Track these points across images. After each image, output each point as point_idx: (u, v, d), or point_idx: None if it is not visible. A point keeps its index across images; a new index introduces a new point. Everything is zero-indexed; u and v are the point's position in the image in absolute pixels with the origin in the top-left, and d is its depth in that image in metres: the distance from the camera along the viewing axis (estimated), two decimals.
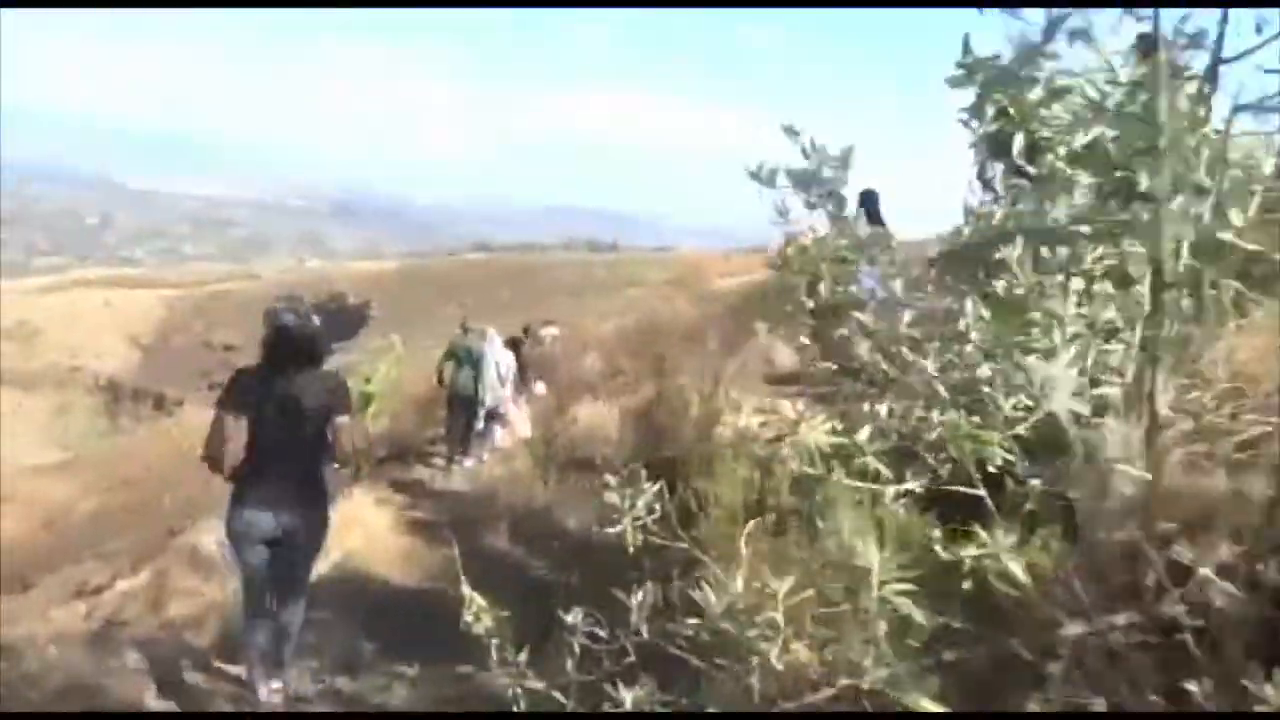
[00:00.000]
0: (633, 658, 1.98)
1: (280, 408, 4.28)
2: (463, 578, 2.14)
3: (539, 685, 2.01)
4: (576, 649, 2.01)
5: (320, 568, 5.28)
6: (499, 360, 10.76)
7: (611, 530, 1.97)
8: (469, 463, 10.58)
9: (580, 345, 16.38)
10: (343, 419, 4.43)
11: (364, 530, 7.13)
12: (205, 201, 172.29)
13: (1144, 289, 1.80)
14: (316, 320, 4.57)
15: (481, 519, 6.63)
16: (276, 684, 4.45)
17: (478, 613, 2.05)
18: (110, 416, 51.49)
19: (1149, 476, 1.80)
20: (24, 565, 12.88)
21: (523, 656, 2.05)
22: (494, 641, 2.07)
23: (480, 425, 10.71)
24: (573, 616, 2.05)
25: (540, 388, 11.30)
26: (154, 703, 4.39)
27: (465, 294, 57.15)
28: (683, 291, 22.77)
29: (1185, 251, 1.75)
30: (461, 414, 10.65)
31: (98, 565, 11.11)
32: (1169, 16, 1.80)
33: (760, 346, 10.55)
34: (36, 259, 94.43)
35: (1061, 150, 1.84)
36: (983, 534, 1.75)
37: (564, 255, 63.81)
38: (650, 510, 2.01)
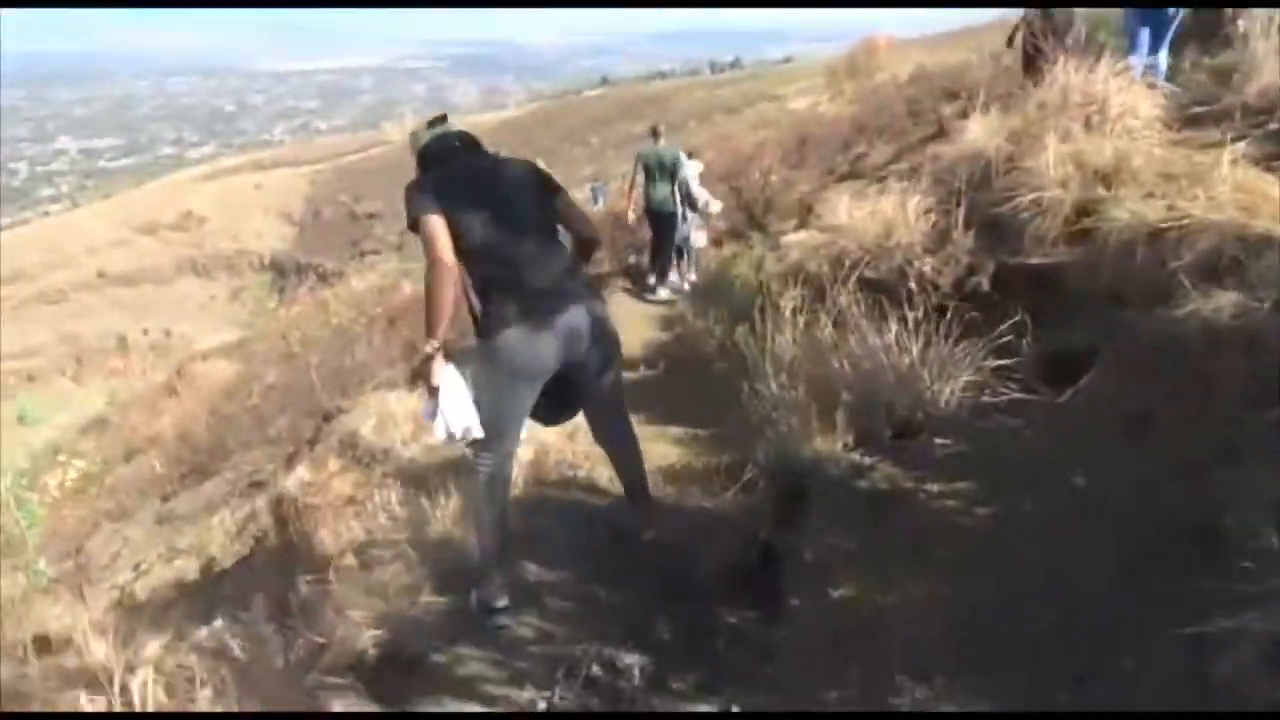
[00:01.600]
0: None
1: (477, 196, 2.93)
2: None
3: None
4: None
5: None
6: (692, 174, 8.98)
7: None
8: (673, 287, 9.01)
9: (742, 160, 14.25)
10: (560, 198, 3.15)
11: None
12: (332, 75, 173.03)
13: None
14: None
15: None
16: None
17: None
18: (278, 293, 53.33)
19: None
20: (198, 453, 12.31)
21: None
22: None
23: (689, 242, 9.09)
24: None
25: (715, 205, 9.34)
26: None
27: (591, 132, 55.27)
28: (842, 88, 19.87)
29: None
30: (666, 233, 8.93)
31: (264, 452, 10.21)
32: None
33: None
34: (189, 151, 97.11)
35: None
36: None
37: (687, 80, 60.17)
38: None
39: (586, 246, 3.24)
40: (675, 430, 4.57)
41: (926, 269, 3.74)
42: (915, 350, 2.71)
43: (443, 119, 3.19)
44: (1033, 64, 6.46)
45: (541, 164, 3.99)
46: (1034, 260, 3.54)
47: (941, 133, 11.47)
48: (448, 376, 2.80)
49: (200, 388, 17.25)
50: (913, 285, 3.68)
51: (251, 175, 68.93)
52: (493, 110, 72.18)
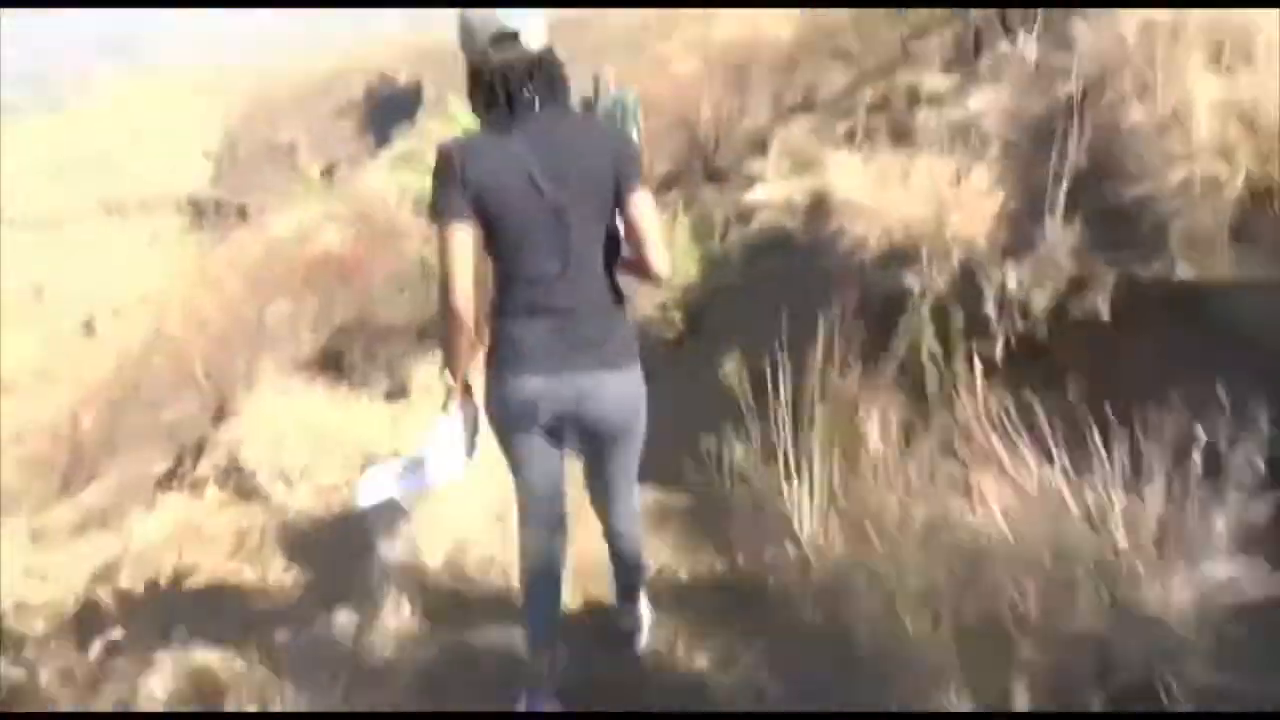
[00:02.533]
0: None
1: (532, 187, 2.22)
2: None
3: None
4: None
5: None
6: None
7: None
8: None
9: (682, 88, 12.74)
10: (638, 191, 2.29)
11: None
12: None
13: None
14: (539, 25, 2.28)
15: None
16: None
17: None
18: (197, 233, 50.11)
19: None
20: (85, 447, 10.76)
21: None
22: None
23: None
24: None
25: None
26: None
27: None
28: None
29: None
30: None
31: (156, 450, 8.72)
32: None
33: None
34: (91, 80, 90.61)
35: None
36: None
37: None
38: None
39: (640, 276, 2.38)
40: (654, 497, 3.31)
41: (1010, 282, 2.49)
42: (1115, 508, 1.43)
43: (513, 36, 2.21)
44: None
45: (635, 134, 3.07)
46: (1185, 277, 2.31)
47: (905, 56, 10.15)
48: (448, 419, 2.32)
49: (99, 359, 15.47)
50: (990, 310, 2.44)
51: (162, 105, 64.48)
52: (418, 33, 67.95)
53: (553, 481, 2.42)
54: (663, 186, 8.55)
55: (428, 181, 2.17)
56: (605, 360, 2.29)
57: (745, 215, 5.80)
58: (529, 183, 2.18)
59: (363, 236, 16.07)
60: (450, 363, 2.29)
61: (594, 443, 2.41)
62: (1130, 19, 3.01)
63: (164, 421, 9.38)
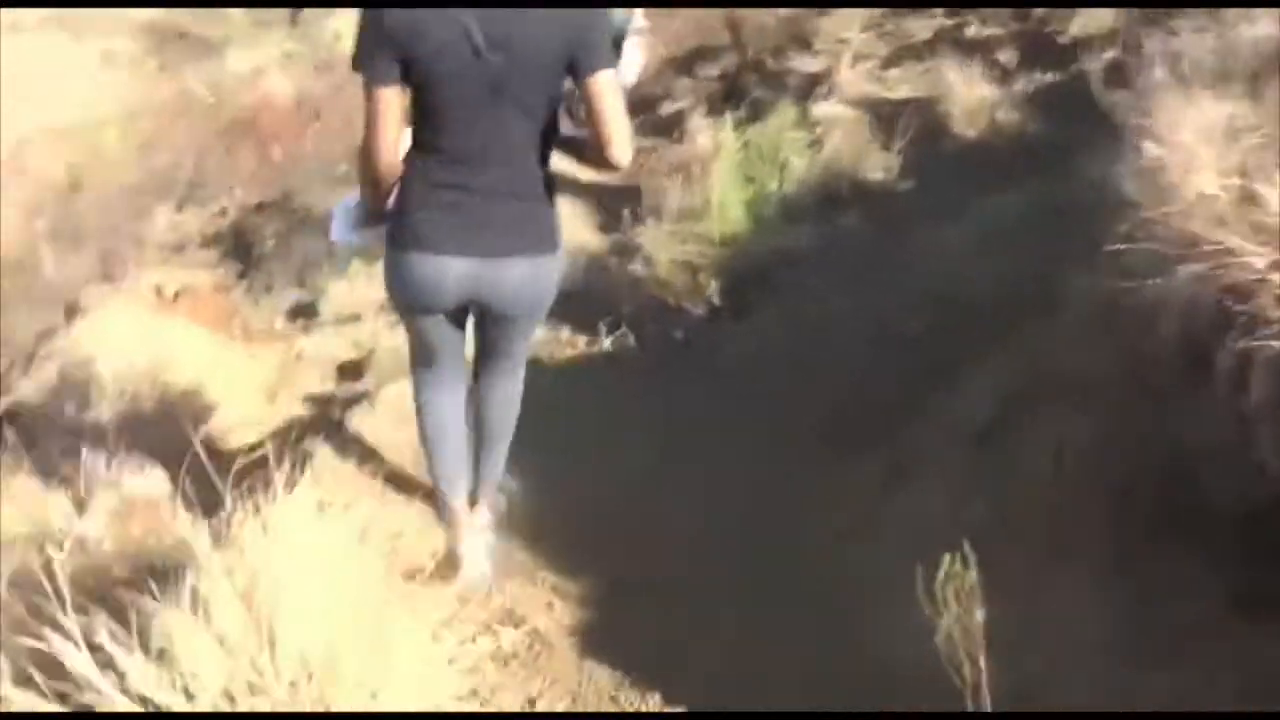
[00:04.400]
0: None
1: (469, 51, 1.89)
2: None
3: None
4: None
5: None
6: None
7: None
8: None
9: None
10: (602, 72, 1.95)
11: None
12: None
13: None
14: None
15: None
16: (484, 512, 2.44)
17: None
18: (157, 61, 45.92)
19: None
20: None
21: None
22: None
23: None
24: None
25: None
26: None
27: None
28: None
29: None
30: None
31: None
32: None
33: None
34: None
35: None
36: None
37: None
38: None
39: (590, 162, 2.20)
40: None
41: None
42: None
43: None
44: None
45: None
46: None
47: None
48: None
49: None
50: None
51: None
52: None
53: (454, 347, 2.29)
54: (681, 69, 6.51)
55: None
56: (515, 246, 2.07)
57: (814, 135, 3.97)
58: (466, 44, 1.88)
59: (314, 92, 13.73)
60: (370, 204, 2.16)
61: (492, 321, 2.22)
62: None
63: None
